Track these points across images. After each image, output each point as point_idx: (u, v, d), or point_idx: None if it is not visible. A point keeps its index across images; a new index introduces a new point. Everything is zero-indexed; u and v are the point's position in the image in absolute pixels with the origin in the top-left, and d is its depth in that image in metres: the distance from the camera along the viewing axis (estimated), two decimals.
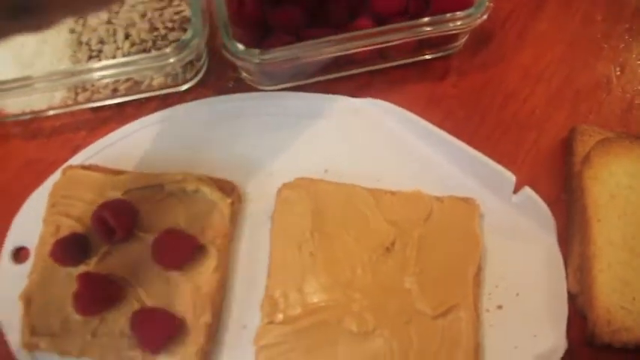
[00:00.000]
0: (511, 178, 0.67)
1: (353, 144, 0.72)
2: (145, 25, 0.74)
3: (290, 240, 0.65)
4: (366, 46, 0.69)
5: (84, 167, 0.70)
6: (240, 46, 0.67)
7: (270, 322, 0.62)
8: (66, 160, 0.73)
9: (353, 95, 0.74)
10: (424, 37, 0.70)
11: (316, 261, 0.64)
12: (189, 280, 0.64)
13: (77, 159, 0.72)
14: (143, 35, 0.73)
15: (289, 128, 0.73)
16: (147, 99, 0.76)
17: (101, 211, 0.64)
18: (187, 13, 0.75)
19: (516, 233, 0.67)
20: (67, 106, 0.75)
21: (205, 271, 0.64)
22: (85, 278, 0.63)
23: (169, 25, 0.75)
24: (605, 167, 0.66)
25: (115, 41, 0.73)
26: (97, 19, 0.74)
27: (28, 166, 0.75)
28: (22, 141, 0.77)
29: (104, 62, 0.69)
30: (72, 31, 0.75)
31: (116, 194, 0.67)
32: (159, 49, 0.73)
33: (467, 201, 0.67)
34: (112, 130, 0.74)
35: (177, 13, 0.76)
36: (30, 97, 0.73)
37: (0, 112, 0.76)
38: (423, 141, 0.71)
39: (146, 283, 0.64)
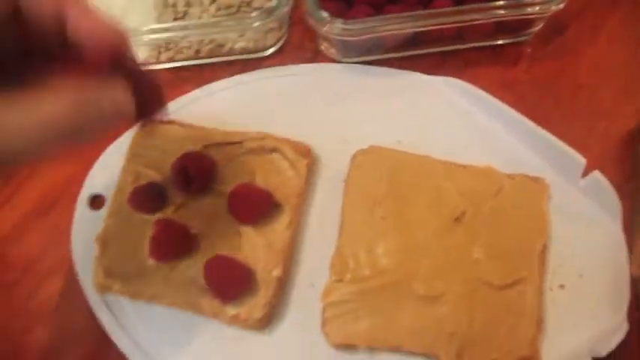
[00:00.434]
0: (581, 160, 0.68)
1: (426, 119, 0.73)
2: None
3: (363, 203, 0.67)
4: (443, 24, 0.71)
5: (164, 121, 0.72)
6: (325, 14, 0.70)
7: (339, 281, 0.63)
8: None
9: (426, 73, 0.76)
10: (501, 19, 0.72)
11: (387, 225, 0.65)
12: (262, 235, 0.65)
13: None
14: (229, 0, 0.75)
15: (365, 99, 0.75)
16: (226, 63, 0.78)
17: (183, 161, 0.66)
18: None
19: (582, 216, 0.68)
20: (149, 64, 0.77)
21: (278, 228, 0.66)
22: (163, 224, 0.65)
23: None
24: None
25: (201, 4, 0.75)
26: None
27: None
28: None
29: (190, 22, 0.71)
30: None
31: (196, 148, 0.69)
32: None
33: (537, 180, 0.68)
34: (190, 90, 0.76)
35: None
36: None
37: None
38: (495, 120, 0.72)
39: (219, 235, 0.66)
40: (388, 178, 0.68)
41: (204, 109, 0.75)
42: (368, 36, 0.71)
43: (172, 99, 0.75)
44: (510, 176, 0.68)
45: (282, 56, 0.79)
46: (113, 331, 0.65)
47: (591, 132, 0.74)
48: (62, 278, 0.69)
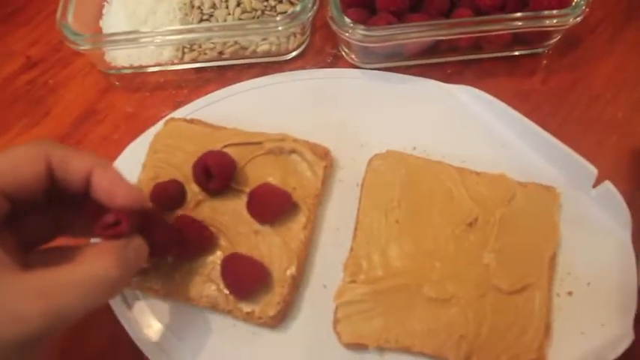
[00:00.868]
0: (593, 171, 0.69)
1: (442, 126, 0.75)
2: None
3: (378, 207, 0.68)
4: (462, 34, 0.73)
5: (186, 120, 0.74)
6: (348, 20, 0.71)
7: (352, 282, 0.65)
8: (165, 114, 0.77)
9: (443, 81, 0.77)
10: (520, 31, 0.73)
11: (401, 228, 0.67)
12: (278, 234, 0.67)
13: (179, 114, 0.77)
14: (254, 4, 0.77)
15: (383, 105, 0.77)
16: (248, 65, 0.80)
17: (204, 159, 0.67)
18: None
19: (592, 225, 0.69)
20: (173, 64, 0.79)
21: (295, 227, 0.67)
22: (182, 221, 0.66)
23: None
24: None
25: (227, 7, 0.77)
26: None
27: (128, 117, 0.80)
28: (124, 93, 0.81)
29: (214, 24, 0.73)
30: None
31: (216, 147, 0.71)
32: None
33: (548, 189, 0.69)
34: (213, 91, 0.78)
35: None
36: (140, 52, 0.78)
37: (109, 65, 0.80)
38: (510, 129, 0.74)
39: (237, 234, 0.67)
40: (403, 183, 0.69)
41: (225, 110, 0.77)
42: (389, 43, 0.73)
43: (195, 99, 0.77)
44: (523, 184, 0.69)
45: (304, 60, 0.82)
46: (129, 325, 0.66)
47: (604, 143, 0.75)
48: None
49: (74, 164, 0.53)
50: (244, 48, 0.78)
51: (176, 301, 0.66)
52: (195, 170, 0.68)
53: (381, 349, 0.63)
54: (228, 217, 0.68)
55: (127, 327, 0.66)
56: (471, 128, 0.75)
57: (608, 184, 0.68)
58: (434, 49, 0.77)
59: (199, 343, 0.65)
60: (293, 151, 0.70)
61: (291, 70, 0.80)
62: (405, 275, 0.65)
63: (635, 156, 0.74)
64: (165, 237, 0.61)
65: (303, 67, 0.80)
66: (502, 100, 0.75)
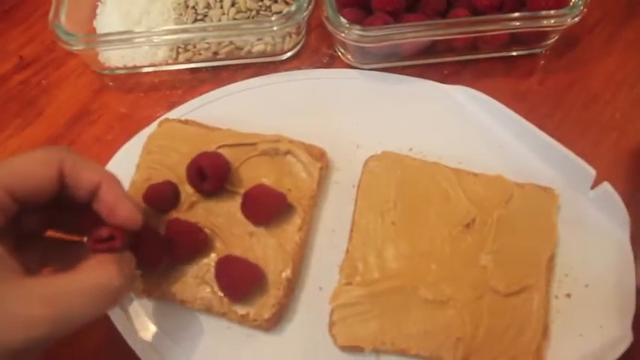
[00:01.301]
0: (591, 172, 0.68)
1: (439, 127, 0.75)
2: None
3: (374, 208, 0.68)
4: (459, 34, 0.73)
5: (180, 121, 0.73)
6: (344, 20, 0.71)
7: (348, 284, 0.64)
8: (160, 115, 0.77)
9: (440, 82, 0.77)
10: (517, 31, 0.73)
11: (397, 230, 0.66)
12: (273, 236, 0.66)
13: (173, 114, 0.76)
14: (249, 4, 0.77)
15: (379, 106, 0.76)
16: (243, 66, 0.80)
17: (198, 160, 0.67)
18: None
19: (590, 226, 0.68)
20: (167, 64, 0.79)
21: (290, 229, 0.66)
22: (175, 224, 0.65)
23: None
24: None
25: (221, 7, 0.77)
26: None
27: (122, 118, 0.79)
28: (118, 93, 0.80)
29: (209, 24, 0.72)
30: None
31: (211, 148, 0.70)
32: None
33: (546, 190, 0.69)
34: (207, 91, 0.78)
35: None
36: (134, 52, 0.77)
37: (102, 65, 0.80)
38: (507, 130, 0.73)
39: (231, 235, 0.67)
40: (399, 184, 0.69)
41: (220, 111, 0.76)
42: (385, 43, 0.72)
43: (189, 99, 0.77)
44: (520, 185, 0.69)
45: (299, 60, 0.81)
46: (122, 326, 0.66)
47: (602, 144, 0.75)
48: None
49: (85, 174, 0.53)
50: (239, 48, 0.77)
51: (170, 303, 0.65)
52: (189, 171, 0.67)
53: (377, 352, 0.63)
54: (223, 219, 0.67)
55: (121, 329, 0.65)
56: (468, 129, 0.74)
57: (606, 185, 0.67)
58: (430, 49, 0.77)
59: (194, 346, 0.65)
60: (288, 152, 0.70)
61: (286, 70, 0.79)
62: (401, 277, 0.64)
63: (633, 157, 0.73)
64: (155, 251, 0.62)
65: (298, 68, 0.80)
66: (499, 100, 0.74)
